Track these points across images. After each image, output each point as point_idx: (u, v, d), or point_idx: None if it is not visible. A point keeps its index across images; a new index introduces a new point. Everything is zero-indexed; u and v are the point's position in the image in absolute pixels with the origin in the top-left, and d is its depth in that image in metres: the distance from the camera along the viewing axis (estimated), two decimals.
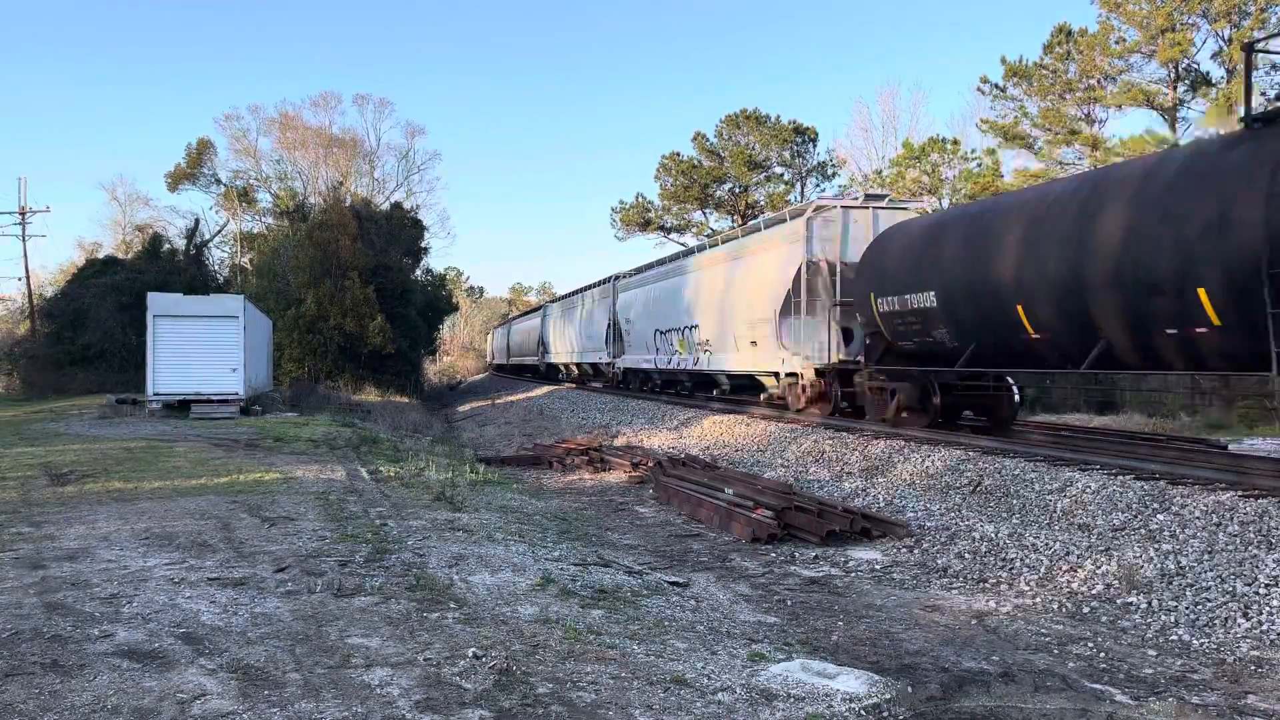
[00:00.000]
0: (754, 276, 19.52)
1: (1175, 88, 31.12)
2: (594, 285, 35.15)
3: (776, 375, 18.66)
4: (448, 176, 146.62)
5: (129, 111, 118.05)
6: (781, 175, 51.32)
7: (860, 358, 16.07)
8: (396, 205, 50.54)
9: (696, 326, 22.74)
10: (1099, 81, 32.34)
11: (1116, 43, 31.68)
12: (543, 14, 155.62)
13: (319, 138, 53.59)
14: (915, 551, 8.76)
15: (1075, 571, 7.49)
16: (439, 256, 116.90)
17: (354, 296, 37.66)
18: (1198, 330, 9.06)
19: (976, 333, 12.78)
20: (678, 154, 51.96)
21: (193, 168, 53.98)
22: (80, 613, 5.42)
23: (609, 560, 7.91)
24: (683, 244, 47.95)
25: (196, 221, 48.71)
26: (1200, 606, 6.44)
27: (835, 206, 17.49)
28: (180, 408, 22.27)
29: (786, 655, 5.46)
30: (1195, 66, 30.93)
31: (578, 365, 37.61)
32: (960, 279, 12.87)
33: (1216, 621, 6.20)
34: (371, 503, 9.78)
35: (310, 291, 37.63)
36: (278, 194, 54.14)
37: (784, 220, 19.02)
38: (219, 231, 54.13)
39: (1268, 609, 6.18)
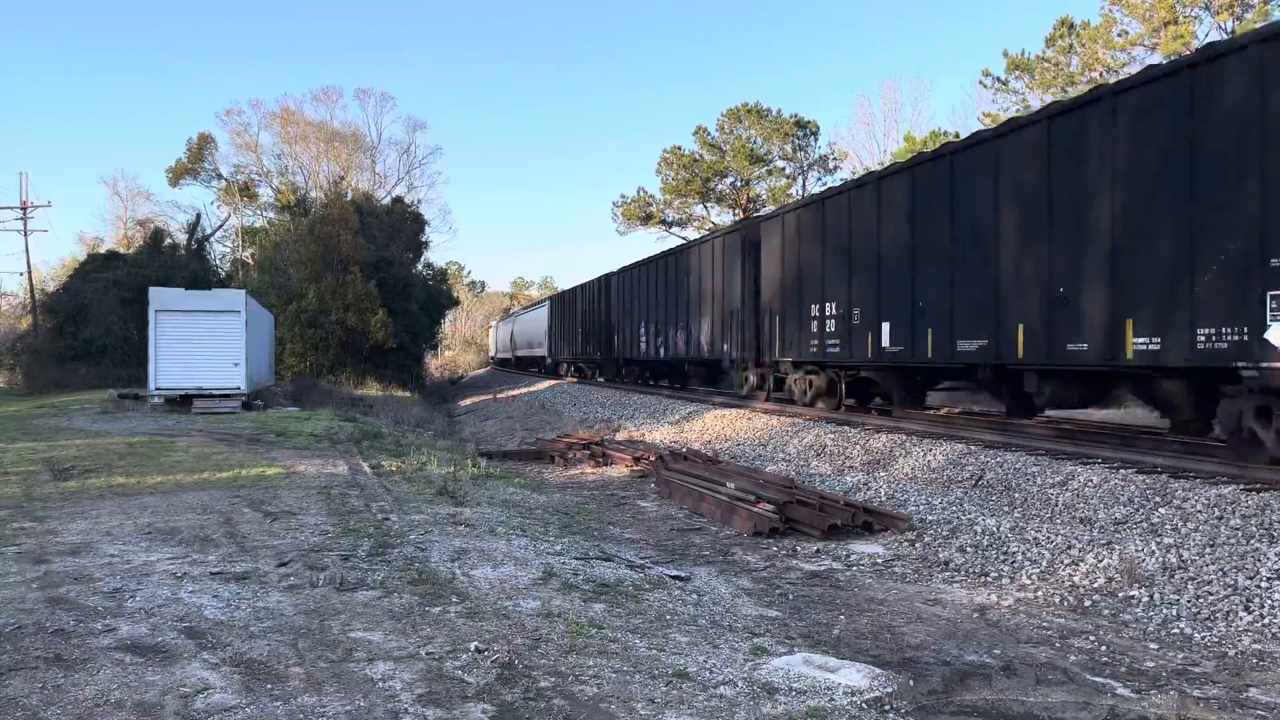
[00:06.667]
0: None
1: None
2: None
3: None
4: (449, 170, 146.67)
5: (130, 106, 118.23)
6: (783, 169, 51.25)
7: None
8: (398, 200, 50.59)
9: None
10: (1101, 74, 32.22)
11: (1119, 35, 31.59)
12: (544, 7, 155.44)
13: (320, 132, 53.66)
14: (917, 545, 8.77)
15: (1077, 565, 7.49)
16: (440, 251, 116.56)
17: (355, 291, 37.65)
18: None
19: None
20: (679, 148, 51.87)
21: (194, 162, 54.01)
22: (83, 607, 5.43)
23: (611, 554, 7.92)
24: (684, 238, 47.91)
25: (198, 216, 48.70)
26: (1202, 600, 6.44)
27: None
28: (182, 403, 22.29)
29: (788, 649, 5.47)
30: None
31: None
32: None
33: (1218, 615, 6.20)
34: (374, 497, 9.78)
35: (312, 286, 37.61)
36: (279, 189, 54.19)
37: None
38: (220, 226, 54.18)
39: (1269, 602, 6.18)
